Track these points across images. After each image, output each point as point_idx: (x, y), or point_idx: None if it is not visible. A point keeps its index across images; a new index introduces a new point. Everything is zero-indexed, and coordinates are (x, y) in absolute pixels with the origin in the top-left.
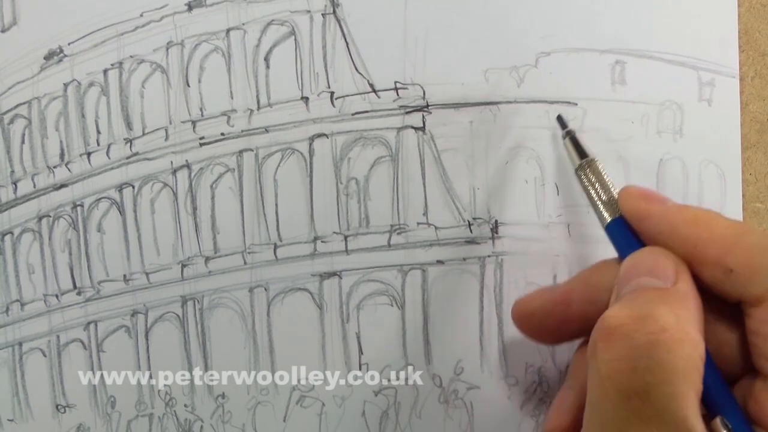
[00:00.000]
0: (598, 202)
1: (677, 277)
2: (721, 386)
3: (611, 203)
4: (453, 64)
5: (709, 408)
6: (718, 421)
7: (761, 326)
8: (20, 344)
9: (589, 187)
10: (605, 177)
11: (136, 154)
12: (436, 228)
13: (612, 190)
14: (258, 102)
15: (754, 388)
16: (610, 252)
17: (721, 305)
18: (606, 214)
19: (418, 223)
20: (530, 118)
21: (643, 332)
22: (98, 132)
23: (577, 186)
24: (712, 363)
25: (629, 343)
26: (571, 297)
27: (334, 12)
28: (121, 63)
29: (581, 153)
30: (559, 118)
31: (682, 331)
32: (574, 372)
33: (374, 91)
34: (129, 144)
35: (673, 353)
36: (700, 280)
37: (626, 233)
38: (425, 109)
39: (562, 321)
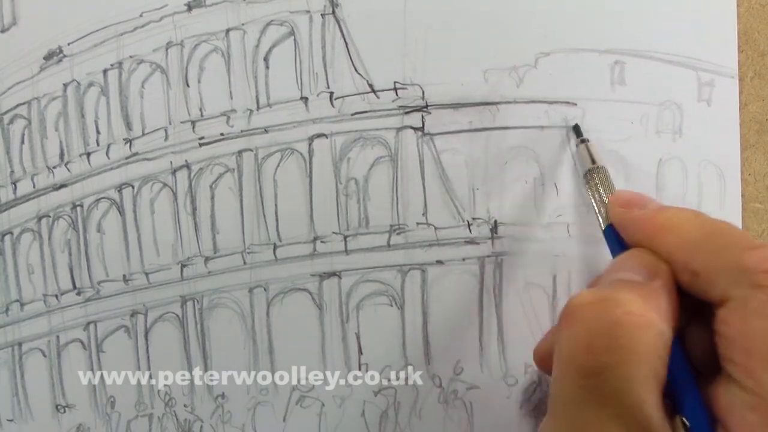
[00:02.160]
0: (599, 208)
1: (654, 276)
2: (689, 384)
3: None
4: (452, 64)
5: (675, 405)
6: (677, 420)
7: (721, 326)
8: (20, 344)
9: (594, 193)
10: (610, 184)
11: (136, 154)
12: (435, 228)
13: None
14: (257, 102)
15: (718, 388)
16: (610, 252)
17: (702, 309)
18: (602, 220)
19: (418, 223)
20: (530, 118)
21: (603, 312)
22: (98, 132)
23: (579, 187)
24: (684, 360)
25: (589, 323)
26: None
27: (334, 12)
28: (120, 63)
29: (593, 160)
30: (576, 128)
31: (646, 316)
32: None
33: (373, 91)
34: (128, 144)
35: (633, 336)
36: (677, 279)
37: (617, 239)
38: (424, 109)
39: None
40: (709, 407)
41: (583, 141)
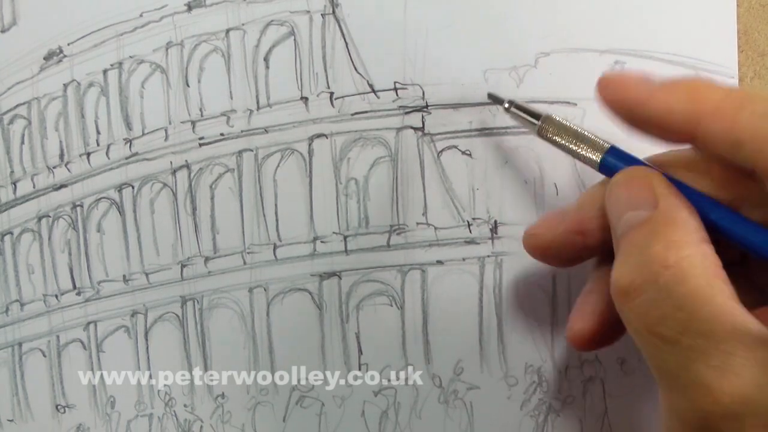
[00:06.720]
0: (581, 150)
1: (656, 198)
2: None
3: (592, 143)
4: (452, 64)
5: None
6: None
7: None
8: (20, 344)
9: (564, 142)
10: (571, 125)
11: (136, 154)
12: (435, 228)
13: (584, 132)
14: (257, 102)
15: None
16: None
17: None
18: (593, 156)
19: (418, 224)
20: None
21: (650, 281)
22: (98, 132)
23: (579, 186)
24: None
25: (645, 297)
26: (585, 226)
27: (334, 12)
28: (120, 63)
29: (534, 115)
30: (491, 96)
31: (680, 255)
32: (594, 275)
33: (374, 91)
34: (128, 144)
35: (685, 281)
36: (710, 151)
37: (620, 160)
38: (425, 109)
39: (579, 249)
40: None
41: (512, 102)
